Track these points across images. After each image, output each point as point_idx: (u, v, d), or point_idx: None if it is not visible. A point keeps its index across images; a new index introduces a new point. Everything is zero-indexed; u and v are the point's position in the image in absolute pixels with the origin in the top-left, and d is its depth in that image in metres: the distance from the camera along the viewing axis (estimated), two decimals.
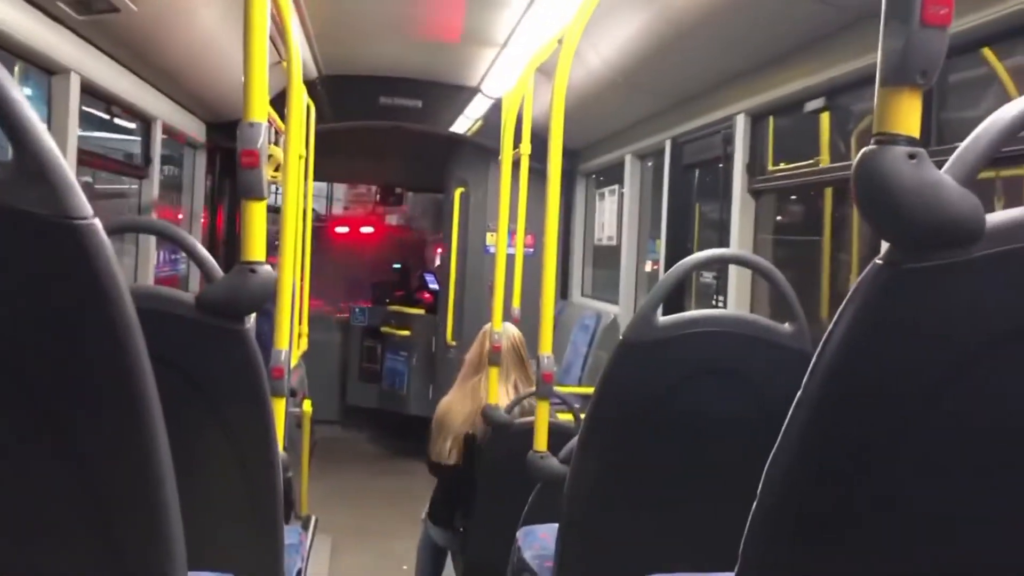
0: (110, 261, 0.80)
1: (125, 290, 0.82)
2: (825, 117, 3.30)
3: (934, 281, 0.85)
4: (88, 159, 3.81)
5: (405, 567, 5.06)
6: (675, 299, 4.31)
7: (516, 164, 3.71)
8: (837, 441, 0.90)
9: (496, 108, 5.41)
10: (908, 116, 0.85)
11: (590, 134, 5.91)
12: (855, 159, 0.87)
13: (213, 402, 1.58)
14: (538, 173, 2.96)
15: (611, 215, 6.04)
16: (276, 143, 4.58)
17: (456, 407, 3.46)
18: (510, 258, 4.09)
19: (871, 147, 0.86)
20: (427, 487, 3.93)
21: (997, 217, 0.87)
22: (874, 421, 0.89)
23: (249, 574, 1.61)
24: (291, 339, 3.59)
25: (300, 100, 2.80)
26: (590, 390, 4.52)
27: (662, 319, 1.81)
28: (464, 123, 6.45)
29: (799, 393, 0.91)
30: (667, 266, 4.48)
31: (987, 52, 2.44)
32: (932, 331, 0.87)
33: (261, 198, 1.71)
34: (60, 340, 0.82)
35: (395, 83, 6.13)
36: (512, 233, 4.26)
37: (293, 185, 2.68)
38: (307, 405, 5.07)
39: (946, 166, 0.86)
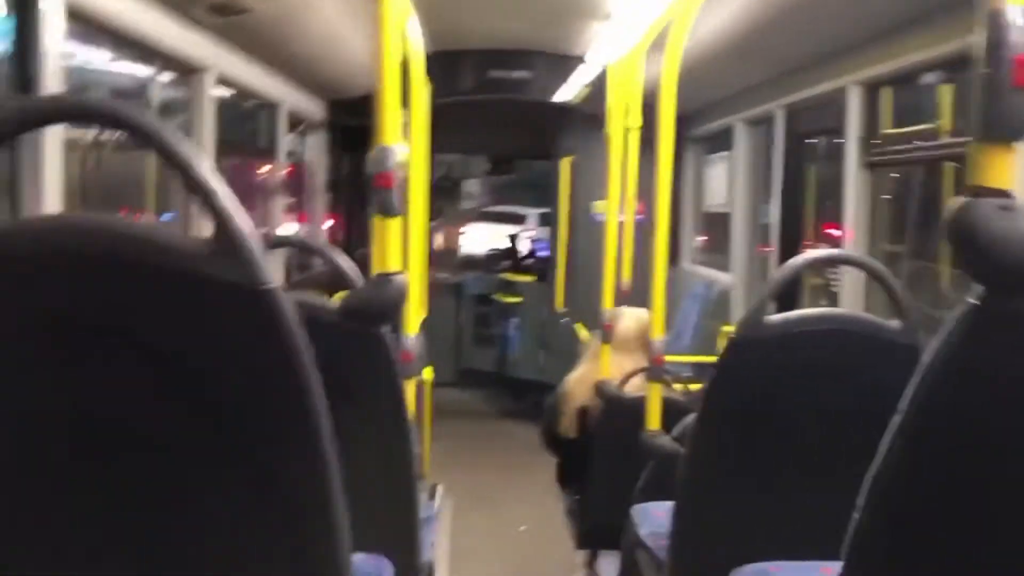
0: (291, 317, 0.96)
1: (303, 337, 0.98)
2: (947, 90, 3.24)
3: (1020, 323, 0.91)
4: (226, 149, 4.11)
5: (523, 528, 5.27)
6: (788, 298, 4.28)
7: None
8: (928, 472, 0.98)
9: (601, 76, 5.42)
10: (1001, 170, 0.92)
11: (698, 100, 5.86)
12: (948, 208, 0.94)
13: (357, 401, 1.75)
14: (646, 140, 2.99)
15: (720, 181, 6.00)
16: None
17: (580, 384, 3.60)
18: (620, 226, 4.15)
19: (964, 199, 0.92)
20: (540, 450, 4.10)
21: None
22: (963, 455, 0.96)
23: (394, 551, 1.78)
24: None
25: (424, 107, 2.94)
26: (699, 359, 4.58)
27: (771, 318, 1.88)
28: (568, 92, 6.49)
29: (897, 418, 0.99)
30: (780, 242, 4.47)
31: None
32: (1016, 372, 0.93)
33: (395, 215, 1.85)
34: (250, 378, 0.99)
35: (504, 56, 6.21)
36: (622, 201, 4.32)
37: (419, 159, 2.82)
38: (427, 372, 5.27)
39: None
